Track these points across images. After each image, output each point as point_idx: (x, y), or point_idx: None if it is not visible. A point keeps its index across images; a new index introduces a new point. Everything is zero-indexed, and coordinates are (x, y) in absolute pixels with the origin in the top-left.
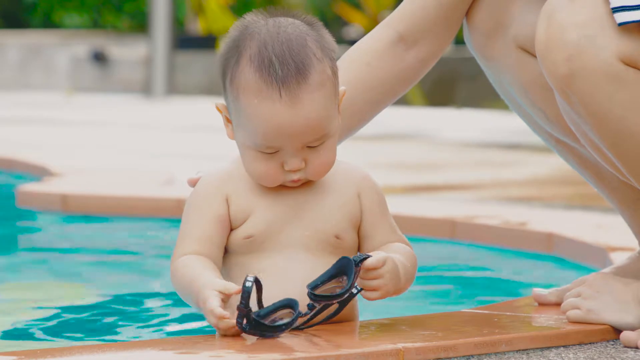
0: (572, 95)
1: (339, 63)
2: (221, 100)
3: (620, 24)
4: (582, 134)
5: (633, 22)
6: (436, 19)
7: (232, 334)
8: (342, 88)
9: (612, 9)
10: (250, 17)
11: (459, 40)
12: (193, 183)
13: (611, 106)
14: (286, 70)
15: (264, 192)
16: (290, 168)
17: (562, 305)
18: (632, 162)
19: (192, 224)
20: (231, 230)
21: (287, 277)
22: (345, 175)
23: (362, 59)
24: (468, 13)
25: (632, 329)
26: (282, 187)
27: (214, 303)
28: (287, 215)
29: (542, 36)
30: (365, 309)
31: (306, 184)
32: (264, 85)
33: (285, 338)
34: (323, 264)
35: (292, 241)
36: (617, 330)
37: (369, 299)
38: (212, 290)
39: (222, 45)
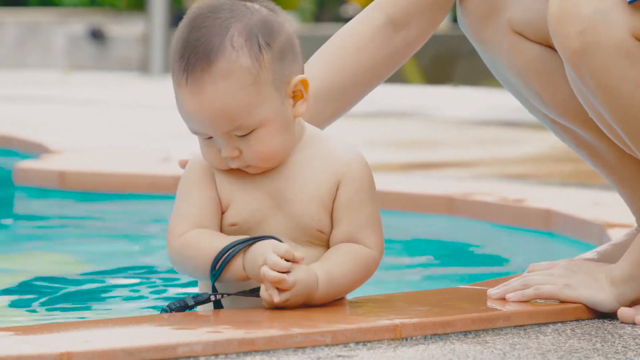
0: (583, 69)
1: (327, 45)
2: None
3: (630, 2)
4: (590, 106)
5: None
6: (426, 2)
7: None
8: (299, 77)
9: None
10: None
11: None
12: (184, 164)
13: (622, 82)
14: (194, 58)
15: (242, 177)
16: (224, 155)
17: (523, 281)
18: None
19: (187, 205)
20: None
21: None
22: (328, 161)
23: (351, 43)
24: None
25: (604, 307)
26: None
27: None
28: (267, 204)
29: (555, 9)
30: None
31: (281, 168)
32: (177, 72)
33: (282, 315)
34: (310, 254)
35: (277, 231)
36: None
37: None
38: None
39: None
